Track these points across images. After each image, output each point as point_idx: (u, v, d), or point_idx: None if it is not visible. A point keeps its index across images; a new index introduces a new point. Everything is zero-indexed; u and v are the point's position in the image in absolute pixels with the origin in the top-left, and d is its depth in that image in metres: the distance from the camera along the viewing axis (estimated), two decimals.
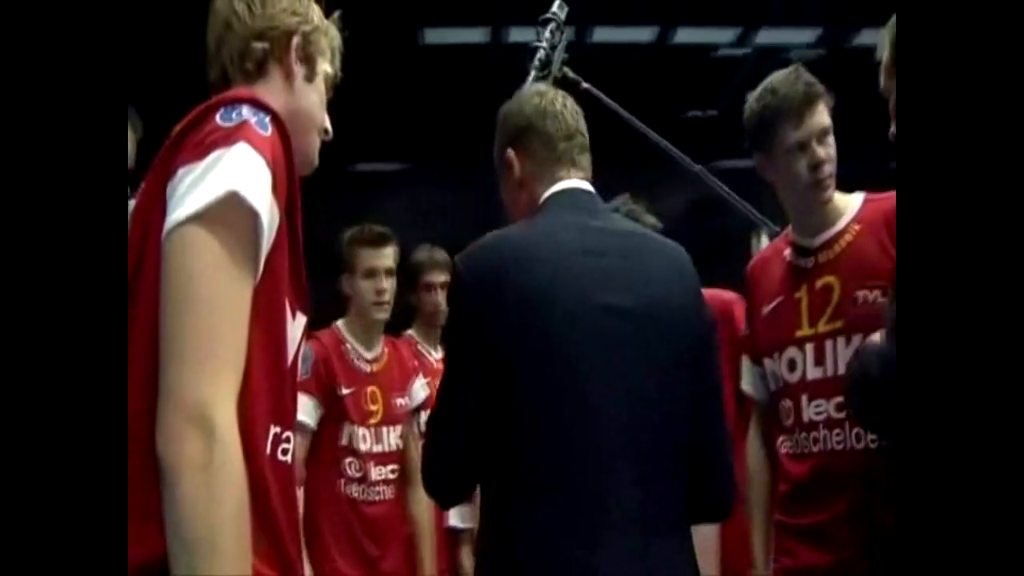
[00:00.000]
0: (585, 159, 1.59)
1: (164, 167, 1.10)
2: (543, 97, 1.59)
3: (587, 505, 1.38)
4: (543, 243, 1.45)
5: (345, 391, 2.57)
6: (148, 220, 1.09)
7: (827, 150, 1.82)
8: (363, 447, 2.58)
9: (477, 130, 2.76)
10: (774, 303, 1.93)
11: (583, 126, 1.60)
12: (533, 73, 2.78)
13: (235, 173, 1.05)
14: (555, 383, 1.39)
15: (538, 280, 1.41)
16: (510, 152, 1.57)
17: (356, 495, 2.56)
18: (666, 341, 1.45)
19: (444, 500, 1.60)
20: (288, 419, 1.16)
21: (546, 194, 1.54)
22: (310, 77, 1.30)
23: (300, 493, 2.48)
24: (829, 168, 1.82)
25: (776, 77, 1.88)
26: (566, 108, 1.58)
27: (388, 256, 2.63)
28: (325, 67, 1.33)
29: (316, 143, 1.32)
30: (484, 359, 1.40)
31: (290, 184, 1.15)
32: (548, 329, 1.40)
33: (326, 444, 2.56)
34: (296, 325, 1.19)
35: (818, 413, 1.81)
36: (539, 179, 1.55)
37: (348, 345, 2.65)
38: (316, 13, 1.33)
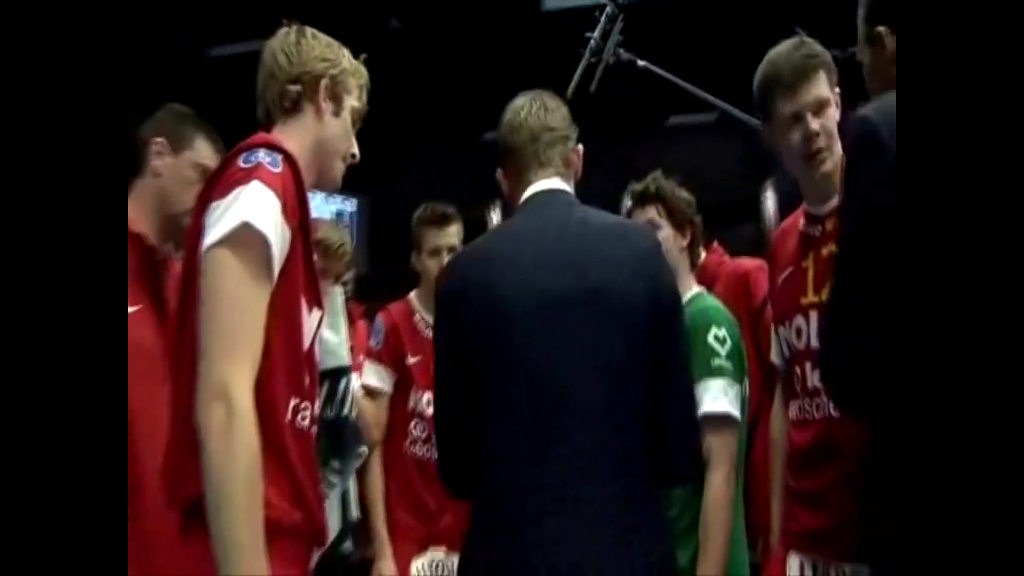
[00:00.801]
0: (554, 152, 1.73)
1: (204, 200, 1.43)
2: (512, 111, 1.76)
3: (525, 487, 1.52)
4: (504, 242, 1.65)
5: (412, 359, 2.76)
6: (195, 243, 1.40)
7: (822, 122, 1.82)
8: (429, 411, 2.74)
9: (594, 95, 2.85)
10: (786, 272, 1.95)
11: (554, 121, 1.73)
12: (583, 62, 2.84)
13: (248, 206, 1.36)
14: (506, 370, 1.55)
15: (492, 276, 1.59)
16: (499, 172, 1.78)
17: (420, 454, 2.75)
18: (620, 322, 1.56)
19: (458, 491, 1.73)
20: (305, 392, 1.44)
21: (520, 200, 1.72)
22: (337, 112, 1.58)
23: (377, 454, 2.72)
24: (823, 140, 1.82)
25: (777, 47, 1.88)
26: (531, 113, 1.73)
27: (452, 235, 2.77)
28: (352, 103, 1.61)
29: (340, 167, 1.60)
30: (455, 356, 1.60)
31: (302, 206, 1.44)
32: (499, 319, 1.57)
33: (395, 407, 2.78)
34: (312, 318, 1.48)
35: (819, 380, 1.83)
36: (518, 187, 1.75)
37: (418, 315, 2.84)
38: (346, 57, 1.61)
